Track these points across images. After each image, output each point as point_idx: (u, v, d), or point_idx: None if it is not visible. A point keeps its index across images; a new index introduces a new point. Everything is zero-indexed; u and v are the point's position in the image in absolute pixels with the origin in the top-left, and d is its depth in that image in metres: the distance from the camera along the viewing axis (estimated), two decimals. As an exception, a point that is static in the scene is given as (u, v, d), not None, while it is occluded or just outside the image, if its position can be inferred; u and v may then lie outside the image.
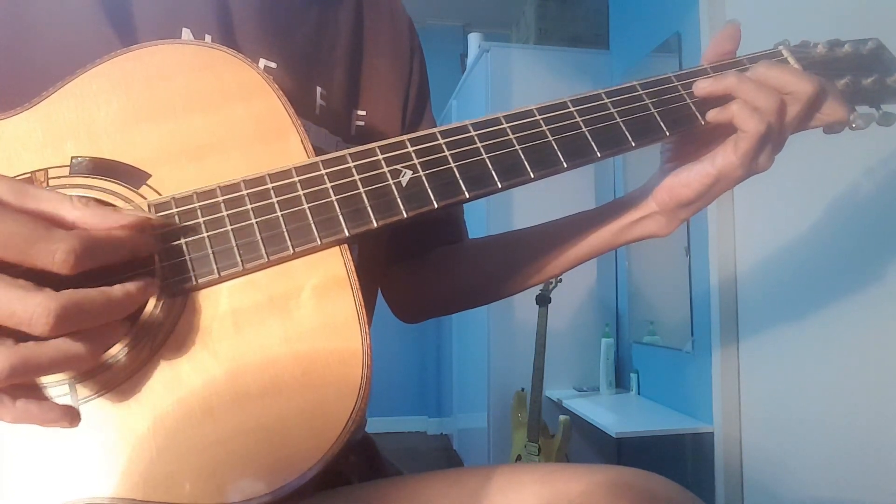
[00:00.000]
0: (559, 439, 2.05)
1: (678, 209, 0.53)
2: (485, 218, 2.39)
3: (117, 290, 0.33)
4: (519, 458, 2.14)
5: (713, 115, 0.50)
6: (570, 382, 2.43)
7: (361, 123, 0.61)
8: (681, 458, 1.92)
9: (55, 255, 0.30)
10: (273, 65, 0.53)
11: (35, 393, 0.34)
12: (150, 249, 0.36)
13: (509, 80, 2.52)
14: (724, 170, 0.50)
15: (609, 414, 2.04)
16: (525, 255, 0.62)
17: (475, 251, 0.68)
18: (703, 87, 0.50)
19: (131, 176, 0.39)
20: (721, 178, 0.50)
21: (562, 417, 2.08)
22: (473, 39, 2.91)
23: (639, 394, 2.27)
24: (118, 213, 0.34)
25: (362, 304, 0.38)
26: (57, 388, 0.34)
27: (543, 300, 2.13)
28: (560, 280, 2.11)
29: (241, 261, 0.38)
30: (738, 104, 0.48)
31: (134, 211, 0.36)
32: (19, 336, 0.30)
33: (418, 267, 0.67)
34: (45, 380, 0.34)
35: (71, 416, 0.33)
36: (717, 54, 0.54)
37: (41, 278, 0.30)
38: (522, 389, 2.23)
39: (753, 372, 1.66)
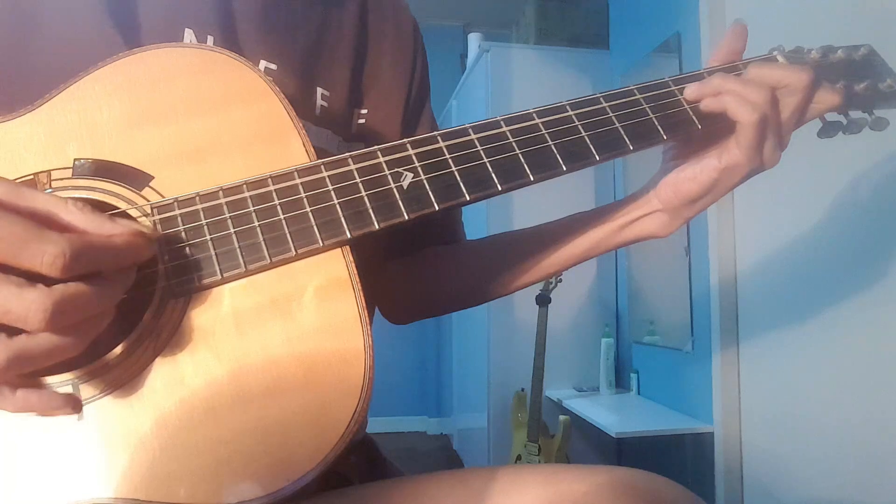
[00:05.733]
0: (559, 439, 2.05)
1: (682, 206, 0.53)
2: (485, 219, 2.39)
3: (107, 281, 0.33)
4: (519, 459, 2.14)
5: (707, 103, 0.50)
6: (570, 382, 2.43)
7: (362, 122, 0.61)
8: (681, 458, 1.92)
9: (44, 256, 0.30)
10: (273, 66, 0.53)
11: (35, 383, 0.34)
12: (148, 255, 0.36)
13: (509, 80, 2.52)
14: (730, 164, 0.50)
15: (609, 414, 2.04)
16: (519, 256, 0.62)
17: (468, 252, 0.68)
18: (691, 90, 0.51)
19: (134, 178, 0.40)
20: (727, 173, 0.50)
21: (562, 417, 2.08)
22: (473, 39, 2.91)
23: (639, 394, 2.27)
24: (112, 223, 0.34)
25: (364, 305, 0.38)
26: (60, 388, 0.35)
27: (543, 300, 2.13)
28: (560, 280, 2.11)
29: (244, 262, 0.38)
30: (729, 95, 0.49)
31: (129, 223, 0.35)
32: (10, 330, 0.30)
33: (410, 266, 0.67)
34: (49, 380, 0.35)
35: (73, 404, 0.33)
36: (729, 52, 0.54)
37: (36, 276, 0.30)
38: (522, 389, 2.23)
39: (753, 372, 1.66)
